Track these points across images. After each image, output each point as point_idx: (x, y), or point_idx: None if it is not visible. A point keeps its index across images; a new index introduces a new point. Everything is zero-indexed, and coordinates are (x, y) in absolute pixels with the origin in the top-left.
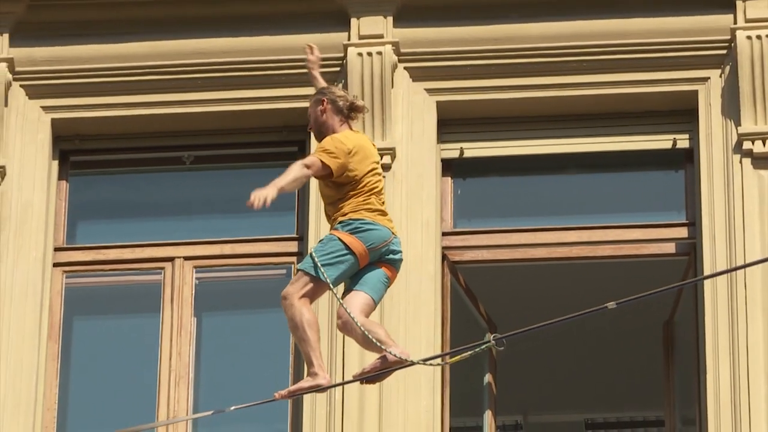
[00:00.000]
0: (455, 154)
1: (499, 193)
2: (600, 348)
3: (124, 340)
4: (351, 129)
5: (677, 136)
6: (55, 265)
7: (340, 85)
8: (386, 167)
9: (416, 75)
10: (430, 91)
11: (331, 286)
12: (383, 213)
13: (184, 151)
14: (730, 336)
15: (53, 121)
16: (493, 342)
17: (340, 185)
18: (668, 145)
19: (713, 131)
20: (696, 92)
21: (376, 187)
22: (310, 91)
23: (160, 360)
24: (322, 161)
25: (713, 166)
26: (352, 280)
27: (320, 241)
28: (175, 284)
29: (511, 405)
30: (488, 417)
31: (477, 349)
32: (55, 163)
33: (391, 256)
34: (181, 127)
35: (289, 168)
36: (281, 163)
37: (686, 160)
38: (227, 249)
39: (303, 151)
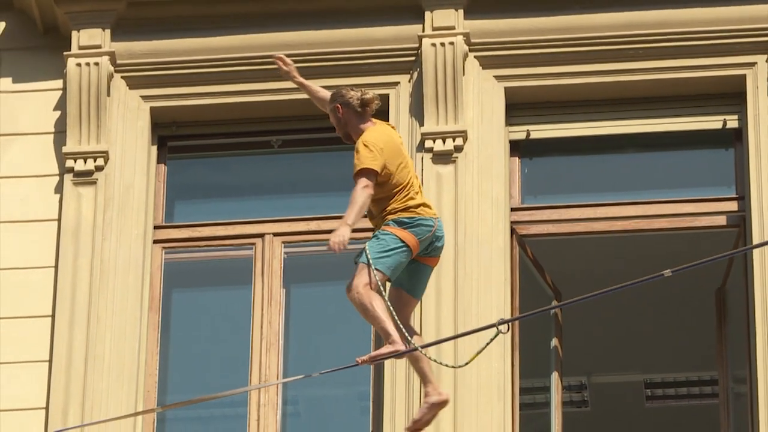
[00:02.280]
0: (522, 135)
1: (562, 171)
2: (658, 314)
3: (218, 311)
4: (372, 122)
5: (727, 117)
6: (155, 242)
7: (348, 87)
8: (458, 149)
9: (485, 63)
10: (498, 77)
11: (389, 276)
12: (425, 205)
13: (273, 135)
14: None
15: (152, 109)
16: (500, 331)
17: (380, 184)
18: (719, 125)
19: (760, 112)
20: (744, 76)
21: (410, 179)
22: (387, 78)
23: (252, 328)
24: (369, 171)
25: (761, 145)
26: (405, 274)
27: (374, 236)
28: (265, 258)
29: (576, 366)
30: (555, 378)
31: (485, 346)
32: (154, 148)
33: (436, 243)
34: (270, 113)
35: (352, 198)
36: None
37: (735, 139)
38: (313, 225)
39: None
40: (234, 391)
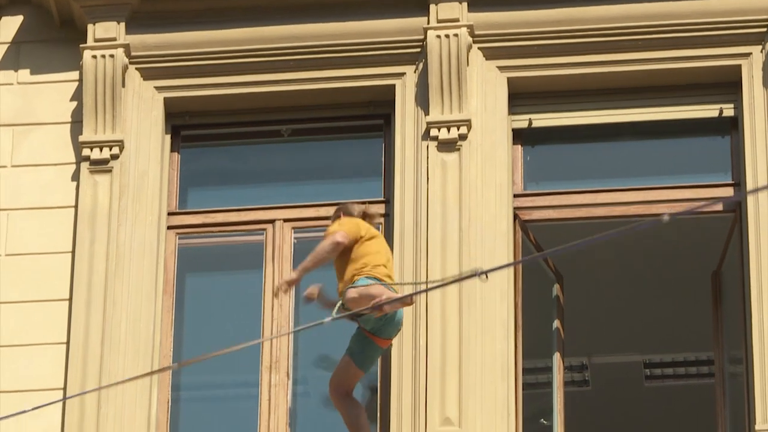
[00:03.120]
0: (524, 124)
1: (564, 158)
2: (657, 297)
3: (230, 294)
4: None
5: (723, 106)
6: (169, 227)
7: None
8: (463, 137)
9: (489, 54)
10: (501, 68)
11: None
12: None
13: (282, 124)
14: None
15: (165, 99)
16: (478, 276)
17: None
18: (715, 113)
19: (755, 101)
20: (740, 66)
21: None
22: (393, 69)
23: (263, 311)
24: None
25: (756, 132)
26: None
27: None
28: (275, 243)
29: (577, 347)
30: (557, 358)
31: (460, 278)
32: (168, 137)
33: (390, 326)
34: (279, 103)
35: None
36: (368, 134)
37: (732, 127)
38: (322, 211)
39: (388, 124)
40: (248, 343)
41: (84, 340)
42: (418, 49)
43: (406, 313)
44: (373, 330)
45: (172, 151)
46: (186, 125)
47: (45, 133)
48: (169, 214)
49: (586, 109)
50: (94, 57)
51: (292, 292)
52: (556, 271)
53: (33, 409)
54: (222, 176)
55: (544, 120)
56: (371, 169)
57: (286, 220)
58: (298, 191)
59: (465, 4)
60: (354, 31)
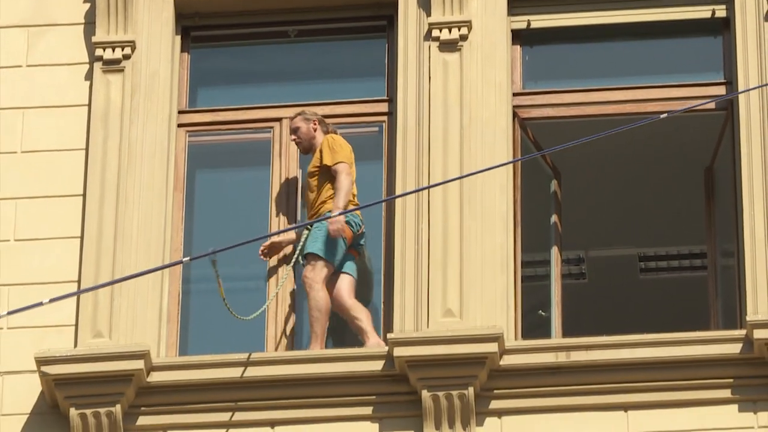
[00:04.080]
0: (523, 25)
1: (561, 58)
2: (651, 191)
3: (239, 190)
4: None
5: (715, 7)
6: (179, 125)
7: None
8: (463, 37)
9: None
10: None
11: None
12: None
13: (289, 25)
14: (763, 178)
15: (176, 1)
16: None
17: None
18: (708, 14)
19: (747, 3)
20: None
21: None
22: None
23: (270, 207)
24: (345, 162)
25: (747, 33)
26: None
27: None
28: (282, 141)
29: (574, 241)
30: (555, 252)
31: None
32: (178, 38)
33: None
34: (286, 4)
35: (338, 184)
36: (371, 35)
37: (723, 27)
38: (327, 110)
39: (391, 25)
40: (256, 238)
41: (97, 234)
42: None
43: (409, 208)
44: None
45: (182, 51)
46: (196, 26)
47: (59, 34)
48: (180, 112)
49: (582, 11)
50: None
51: (299, 185)
52: (553, 167)
53: (49, 301)
54: (230, 76)
55: (542, 21)
56: (374, 69)
57: (292, 119)
58: (304, 90)
59: None
60: None
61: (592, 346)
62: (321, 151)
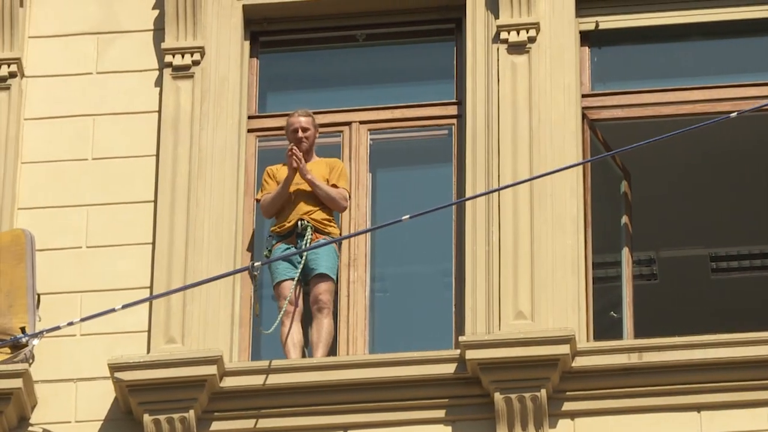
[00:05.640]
0: (591, 26)
1: (630, 59)
2: (722, 191)
3: None
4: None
5: None
6: (249, 131)
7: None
8: (532, 39)
9: None
10: None
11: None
12: None
13: (357, 29)
14: None
15: (244, 6)
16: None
17: None
18: None
19: None
20: None
21: None
22: None
23: (344, 211)
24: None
25: None
26: None
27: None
28: (352, 145)
29: (645, 242)
30: (626, 253)
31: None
32: (247, 44)
33: None
34: (354, 8)
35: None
36: (439, 38)
37: None
38: (396, 113)
39: (460, 28)
40: (327, 242)
41: (169, 240)
42: None
43: (480, 210)
44: None
45: (251, 56)
46: (264, 31)
47: (128, 41)
48: (249, 117)
49: (650, 11)
50: None
51: (368, 190)
52: (623, 168)
53: (122, 308)
54: (299, 80)
55: (610, 22)
56: (443, 72)
57: (362, 122)
58: (373, 94)
59: None
60: None
61: (665, 347)
62: (334, 170)
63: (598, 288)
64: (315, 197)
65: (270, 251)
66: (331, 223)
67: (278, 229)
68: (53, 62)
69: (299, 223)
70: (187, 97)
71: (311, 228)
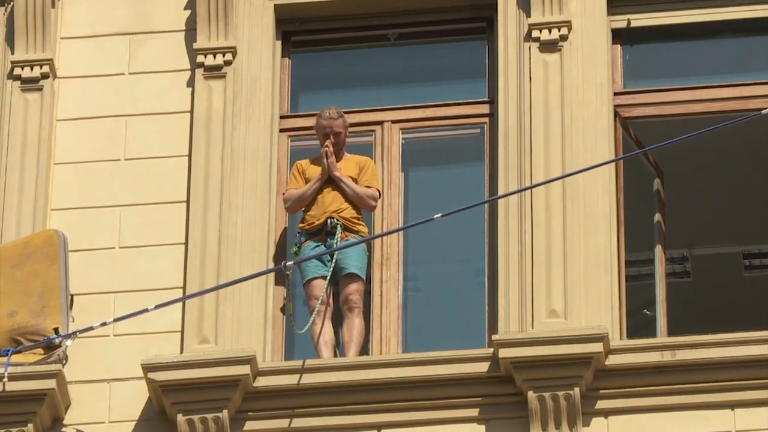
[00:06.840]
0: (623, 24)
1: (661, 57)
2: (755, 188)
3: None
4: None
5: None
6: (281, 130)
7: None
8: (564, 38)
9: None
10: None
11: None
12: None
13: (389, 29)
14: None
15: (276, 6)
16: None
17: None
18: None
19: None
20: None
21: None
22: None
23: (373, 210)
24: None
25: None
26: None
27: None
28: (384, 144)
29: (678, 240)
30: (658, 251)
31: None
32: (278, 43)
33: None
34: (386, 8)
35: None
36: (471, 37)
37: None
38: (428, 112)
39: (491, 27)
40: (358, 242)
41: (201, 240)
42: None
43: (512, 209)
44: None
45: (282, 56)
46: (296, 31)
47: (160, 42)
48: (281, 117)
49: (682, 9)
50: None
51: (401, 188)
52: (656, 165)
53: (155, 308)
54: (331, 80)
55: (641, 20)
56: (475, 71)
57: (394, 122)
58: (405, 93)
59: None
60: None
61: (698, 345)
62: (364, 169)
63: (631, 286)
64: (344, 195)
65: (299, 248)
66: (360, 222)
67: (307, 227)
68: (85, 63)
69: (329, 221)
70: (219, 97)
71: (341, 226)
